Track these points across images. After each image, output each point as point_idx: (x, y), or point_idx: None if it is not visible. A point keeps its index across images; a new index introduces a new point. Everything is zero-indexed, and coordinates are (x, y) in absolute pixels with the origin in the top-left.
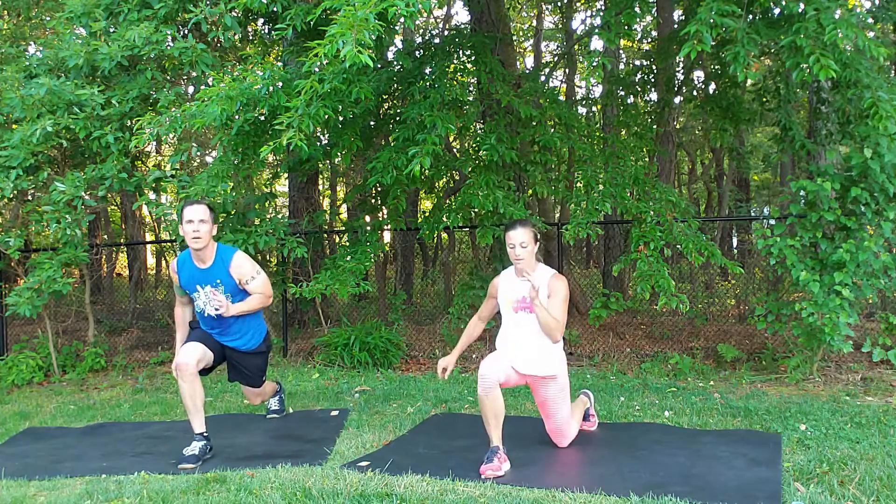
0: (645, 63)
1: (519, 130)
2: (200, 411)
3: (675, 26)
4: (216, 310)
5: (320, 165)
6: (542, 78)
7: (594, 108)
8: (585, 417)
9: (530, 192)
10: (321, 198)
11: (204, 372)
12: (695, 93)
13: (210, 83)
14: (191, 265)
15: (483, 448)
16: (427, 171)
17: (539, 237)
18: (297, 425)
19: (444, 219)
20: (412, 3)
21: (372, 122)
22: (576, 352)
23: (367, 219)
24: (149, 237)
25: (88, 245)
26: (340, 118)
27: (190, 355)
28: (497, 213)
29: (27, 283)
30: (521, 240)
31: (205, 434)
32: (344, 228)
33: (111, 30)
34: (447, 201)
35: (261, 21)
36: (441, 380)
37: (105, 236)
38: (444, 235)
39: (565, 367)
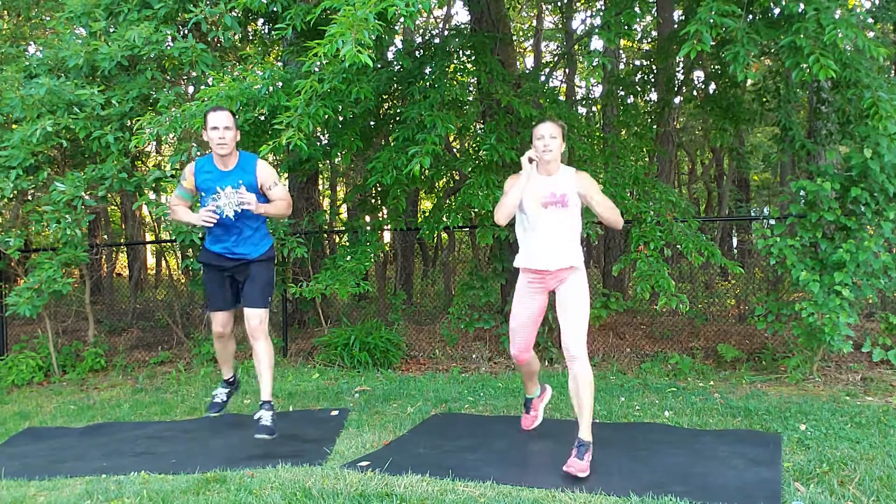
0: (645, 63)
1: (519, 130)
2: (230, 361)
3: (675, 26)
4: (239, 206)
5: (320, 165)
6: (542, 78)
7: (594, 108)
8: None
9: None
10: (321, 198)
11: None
12: (695, 93)
13: (210, 83)
14: (212, 166)
15: (483, 448)
16: (427, 171)
17: (566, 136)
18: (297, 425)
19: (444, 219)
20: (412, 3)
21: (372, 122)
22: None
23: (367, 219)
24: (149, 237)
25: (88, 245)
26: (340, 118)
27: (222, 324)
28: None
29: (27, 283)
30: (550, 132)
31: (230, 380)
32: (344, 228)
33: (111, 30)
34: (447, 201)
35: (261, 21)
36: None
37: (105, 236)
38: (444, 235)
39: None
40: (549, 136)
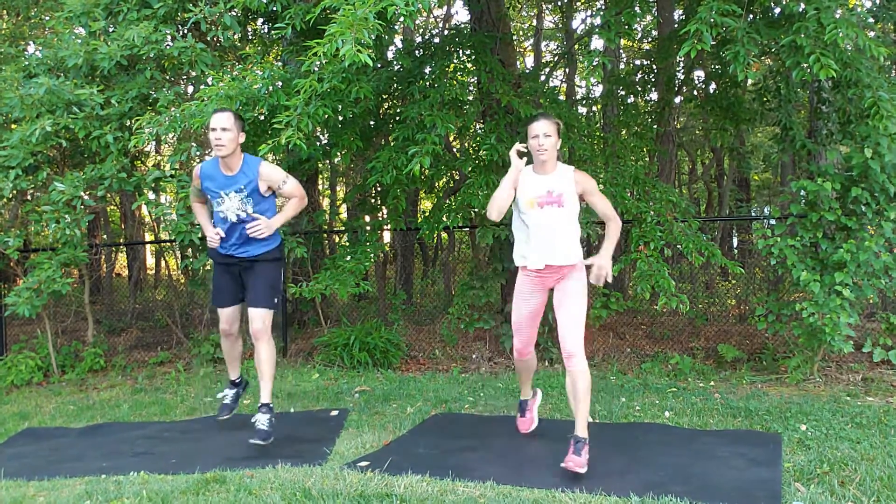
0: (645, 63)
1: (519, 130)
2: (237, 361)
3: (676, 26)
4: (248, 222)
5: (320, 165)
6: (542, 78)
7: (594, 108)
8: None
9: None
10: (321, 197)
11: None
12: (695, 92)
13: (209, 83)
14: (216, 171)
15: (482, 448)
16: (427, 171)
17: (561, 132)
18: (297, 425)
19: (444, 219)
20: (412, 3)
21: (372, 122)
22: None
23: (367, 219)
24: (148, 237)
25: (88, 245)
26: (340, 118)
27: (228, 321)
28: None
29: (26, 283)
30: (544, 130)
31: (237, 381)
32: (344, 228)
33: (110, 29)
34: (447, 201)
35: (260, 20)
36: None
37: (104, 236)
38: (444, 235)
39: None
40: (543, 135)
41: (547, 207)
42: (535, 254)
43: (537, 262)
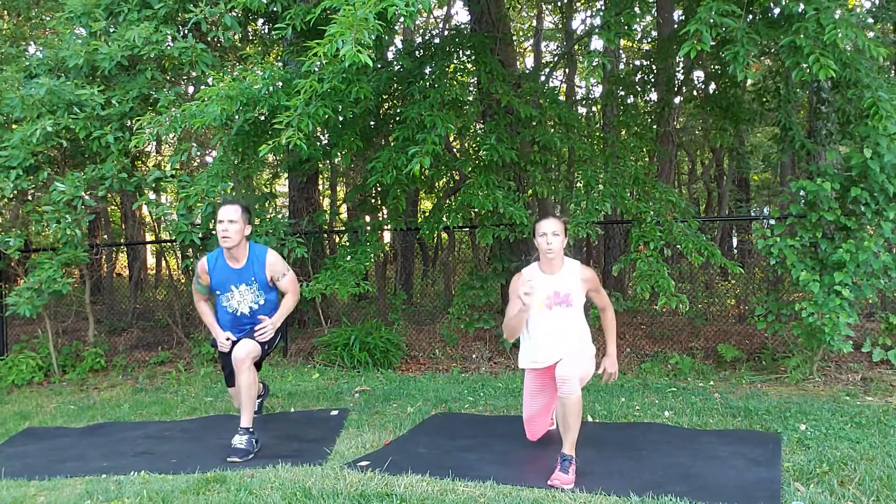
0: (645, 63)
1: (519, 130)
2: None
3: (675, 26)
4: (255, 304)
5: (320, 165)
6: (542, 78)
7: (594, 108)
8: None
9: (530, 192)
10: (321, 198)
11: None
12: (695, 93)
13: (210, 83)
14: (224, 265)
15: (483, 448)
16: (427, 171)
17: (568, 230)
18: (297, 425)
19: (444, 219)
20: (412, 3)
21: (372, 122)
22: None
23: (367, 219)
24: (149, 237)
25: (88, 245)
26: (340, 118)
27: (230, 381)
28: (497, 213)
29: (27, 283)
30: (552, 229)
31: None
32: (344, 228)
33: (111, 30)
34: (447, 201)
35: (261, 21)
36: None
37: (105, 236)
38: (444, 235)
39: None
40: (551, 234)
41: (556, 308)
42: (543, 353)
43: (546, 360)
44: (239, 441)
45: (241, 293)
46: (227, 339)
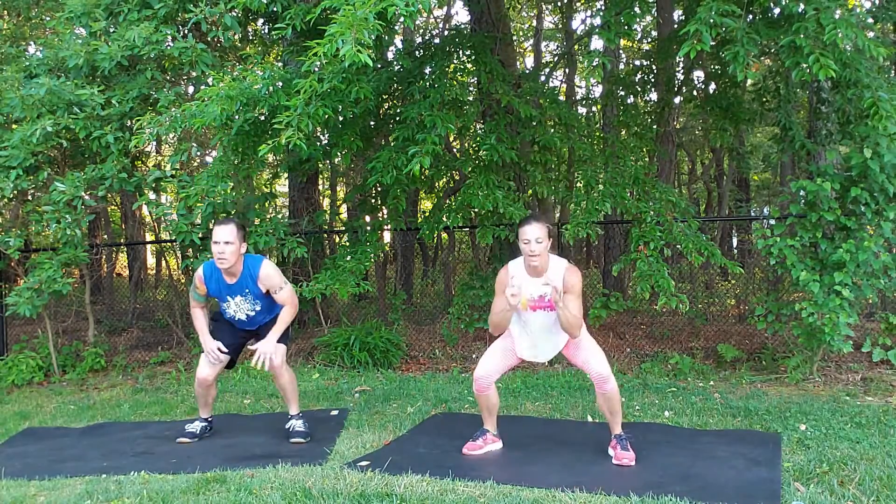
0: (645, 63)
1: (519, 130)
2: (209, 405)
3: (675, 26)
4: (259, 361)
5: (320, 165)
6: (542, 78)
7: (594, 108)
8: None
9: (530, 192)
10: (321, 198)
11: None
12: (695, 93)
13: (210, 83)
14: (219, 277)
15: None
16: (427, 171)
17: (552, 233)
18: None
19: (444, 219)
20: (412, 3)
21: (372, 122)
22: None
23: (367, 219)
24: (149, 237)
25: (88, 245)
26: (340, 118)
27: (207, 371)
28: (497, 213)
29: (27, 283)
30: (535, 235)
31: (209, 419)
32: (344, 228)
33: (111, 30)
34: (447, 201)
35: (261, 21)
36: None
37: (105, 236)
38: (444, 235)
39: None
40: (534, 241)
41: (539, 311)
42: (524, 347)
43: (525, 354)
44: (299, 425)
45: (237, 303)
46: (219, 348)
